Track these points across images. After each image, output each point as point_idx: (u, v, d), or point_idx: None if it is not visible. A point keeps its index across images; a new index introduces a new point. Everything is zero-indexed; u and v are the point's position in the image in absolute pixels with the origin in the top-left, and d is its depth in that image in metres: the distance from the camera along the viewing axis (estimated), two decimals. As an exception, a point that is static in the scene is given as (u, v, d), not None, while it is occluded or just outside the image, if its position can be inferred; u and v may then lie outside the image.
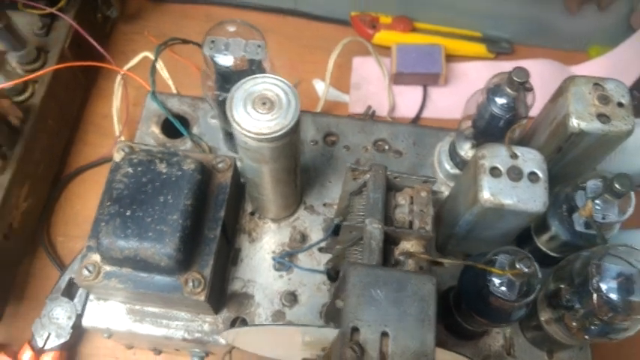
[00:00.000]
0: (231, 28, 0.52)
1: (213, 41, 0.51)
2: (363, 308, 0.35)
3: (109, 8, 0.86)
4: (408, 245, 0.46)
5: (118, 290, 0.48)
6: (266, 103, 0.44)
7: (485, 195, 0.45)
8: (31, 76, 0.68)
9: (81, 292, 0.65)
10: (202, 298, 0.47)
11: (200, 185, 0.50)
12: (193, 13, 0.94)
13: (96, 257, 0.48)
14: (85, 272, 0.47)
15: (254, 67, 0.51)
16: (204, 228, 0.50)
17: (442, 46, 0.87)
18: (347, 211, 0.53)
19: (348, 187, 0.51)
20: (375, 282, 0.36)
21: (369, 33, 0.89)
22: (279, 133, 0.43)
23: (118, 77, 0.75)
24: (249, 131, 0.43)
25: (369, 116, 0.79)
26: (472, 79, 0.88)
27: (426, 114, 0.85)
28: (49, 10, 0.73)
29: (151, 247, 0.45)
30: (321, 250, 0.57)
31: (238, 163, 0.55)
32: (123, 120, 0.78)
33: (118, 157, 0.52)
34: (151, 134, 0.63)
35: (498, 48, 0.90)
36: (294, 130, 0.45)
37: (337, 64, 0.81)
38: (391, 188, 0.48)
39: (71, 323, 0.63)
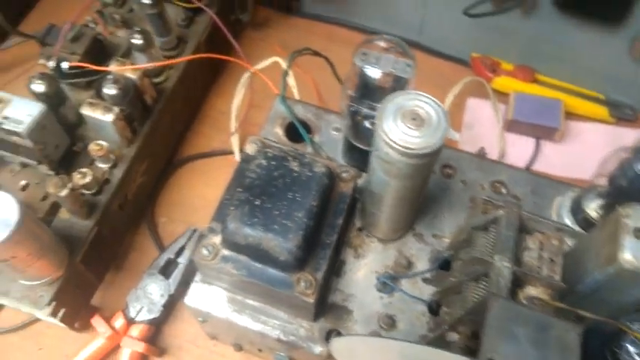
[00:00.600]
0: (384, 44, 0.53)
1: (365, 54, 0.52)
2: (502, 342, 0.34)
3: (243, 12, 0.90)
4: (534, 291, 0.43)
5: (231, 276, 0.49)
6: (416, 119, 0.44)
7: (627, 256, 0.43)
8: (172, 61, 0.72)
9: (176, 273, 0.66)
10: (312, 300, 0.47)
11: (326, 189, 0.50)
12: (317, 30, 0.97)
13: (216, 239, 0.49)
14: (204, 252, 0.48)
15: (399, 85, 0.52)
16: (322, 232, 0.50)
17: (563, 101, 0.85)
18: (463, 246, 0.52)
19: (473, 220, 0.50)
20: (517, 318, 0.35)
21: (489, 76, 0.88)
22: (425, 151, 0.43)
23: (245, 75, 0.79)
24: (395, 143, 0.43)
25: (481, 157, 0.78)
26: (589, 140, 0.85)
27: (535, 167, 0.83)
28: (197, 4, 0.77)
29: (274, 238, 0.46)
30: (424, 280, 0.56)
31: (359, 180, 0.55)
32: (240, 118, 0.80)
33: (250, 149, 0.54)
34: (275, 135, 0.65)
35: (621, 113, 0.87)
36: (438, 152, 0.44)
37: (451, 101, 0.81)
38: (522, 229, 0.47)
39: (163, 301, 0.64)
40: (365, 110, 0.56)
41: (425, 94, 0.46)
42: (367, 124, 0.58)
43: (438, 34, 0.92)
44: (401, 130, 0.44)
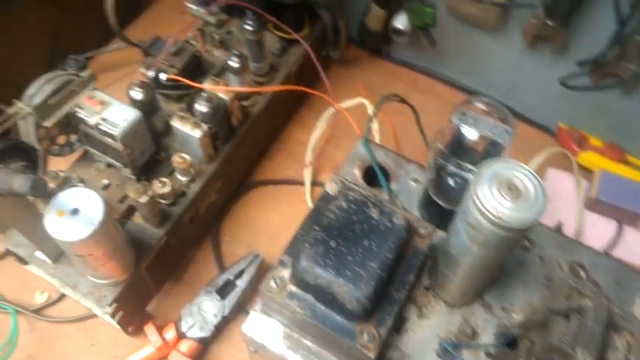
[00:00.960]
0: (483, 106, 0.52)
1: (464, 113, 0.51)
2: None
3: (334, 49, 0.92)
4: (615, 394, 0.40)
5: (294, 313, 0.48)
6: (513, 190, 0.42)
7: None
8: (265, 89, 0.74)
9: (232, 295, 0.66)
10: (372, 355, 0.45)
11: (403, 243, 0.49)
12: (402, 76, 0.97)
13: (285, 273, 0.49)
14: (272, 284, 0.48)
15: (494, 150, 0.51)
16: (392, 286, 0.49)
17: (654, 188, 0.80)
18: (535, 327, 0.49)
19: (554, 303, 0.47)
20: None
21: (575, 150, 0.85)
22: (517, 225, 0.41)
23: (329, 111, 0.79)
24: (487, 210, 0.42)
25: (561, 234, 0.75)
26: (679, 233, 0.80)
27: (615, 252, 0.78)
28: (294, 35, 0.79)
29: (345, 285, 0.45)
30: (488, 355, 0.53)
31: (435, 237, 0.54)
32: (316, 151, 0.81)
33: (330, 188, 0.54)
34: (352, 175, 0.64)
35: None
36: (531, 228, 0.43)
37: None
38: (609, 325, 0.44)
39: (215, 322, 0.64)
40: (452, 168, 0.54)
41: (525, 166, 0.44)
42: (451, 181, 0.57)
43: (526, 98, 0.90)
44: (495, 199, 0.42)
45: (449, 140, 0.53)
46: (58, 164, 0.68)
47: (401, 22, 0.83)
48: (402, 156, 0.67)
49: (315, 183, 0.81)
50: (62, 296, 0.70)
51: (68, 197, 0.52)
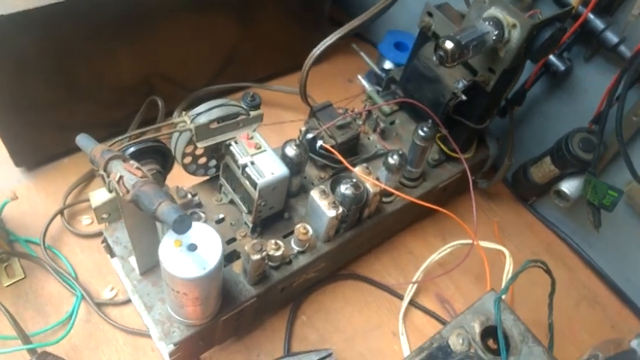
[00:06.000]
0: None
1: None
2: None
3: (485, 180, 0.86)
4: None
5: None
6: None
7: None
8: (410, 198, 0.70)
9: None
10: None
11: None
12: (539, 233, 0.91)
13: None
14: None
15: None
16: None
17: None
18: None
19: None
20: None
21: None
22: None
23: (459, 240, 0.73)
24: None
25: None
26: None
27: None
28: (459, 156, 0.75)
29: None
30: None
31: None
32: (425, 272, 0.75)
33: (454, 342, 0.47)
34: (470, 328, 0.56)
35: None
36: None
37: None
38: None
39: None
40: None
41: None
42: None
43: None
44: None
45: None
46: (182, 178, 0.67)
47: (570, 187, 0.77)
48: (531, 332, 0.59)
49: (412, 303, 0.74)
50: (128, 301, 0.68)
51: (192, 229, 0.49)
